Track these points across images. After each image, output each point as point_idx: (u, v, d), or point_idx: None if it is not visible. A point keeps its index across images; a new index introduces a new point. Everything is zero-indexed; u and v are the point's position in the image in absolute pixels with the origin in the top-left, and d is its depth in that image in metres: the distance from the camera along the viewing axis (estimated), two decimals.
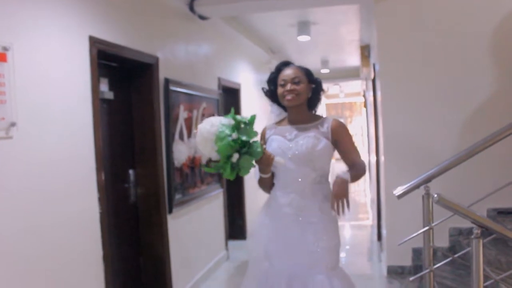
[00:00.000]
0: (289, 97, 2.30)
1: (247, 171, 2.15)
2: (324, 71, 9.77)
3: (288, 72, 2.34)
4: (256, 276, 2.41)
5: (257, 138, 2.22)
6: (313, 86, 2.39)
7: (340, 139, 2.34)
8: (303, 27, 6.11)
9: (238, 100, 6.20)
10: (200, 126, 2.19)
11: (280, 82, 2.35)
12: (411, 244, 3.68)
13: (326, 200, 2.29)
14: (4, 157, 2.23)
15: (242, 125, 2.14)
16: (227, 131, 2.08)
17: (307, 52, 8.14)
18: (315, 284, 2.23)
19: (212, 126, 2.13)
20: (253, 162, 2.19)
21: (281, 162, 2.24)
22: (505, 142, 2.87)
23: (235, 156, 2.08)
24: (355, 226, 7.42)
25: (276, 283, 2.30)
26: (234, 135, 2.07)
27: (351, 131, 2.51)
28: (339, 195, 2.16)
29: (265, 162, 2.23)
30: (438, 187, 2.68)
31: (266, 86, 2.46)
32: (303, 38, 6.35)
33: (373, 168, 6.50)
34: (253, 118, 2.20)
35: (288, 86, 2.31)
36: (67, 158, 2.68)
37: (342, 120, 2.46)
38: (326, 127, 2.31)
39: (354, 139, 2.46)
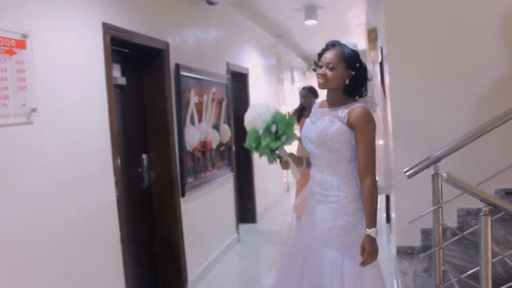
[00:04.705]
0: (319, 80, 2.33)
1: (271, 161, 2.46)
2: None
3: (326, 55, 2.31)
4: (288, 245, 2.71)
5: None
6: (353, 73, 2.30)
7: (355, 130, 2.28)
8: (310, 11, 6.13)
9: (246, 85, 6.23)
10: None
11: (320, 62, 2.35)
12: (420, 225, 3.72)
13: (345, 181, 2.34)
14: (26, 142, 2.28)
15: (264, 129, 2.37)
16: (259, 126, 2.38)
17: (313, 36, 8.13)
18: (328, 258, 2.33)
19: (248, 116, 2.43)
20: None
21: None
22: None
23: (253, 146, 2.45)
24: None
25: (295, 254, 2.50)
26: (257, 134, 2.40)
27: (371, 127, 2.30)
28: (371, 255, 2.29)
29: (283, 166, 2.49)
30: (447, 167, 2.71)
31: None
32: (310, 22, 6.36)
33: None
34: (281, 124, 2.39)
35: (321, 70, 2.31)
36: (85, 143, 2.73)
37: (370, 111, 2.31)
38: (345, 113, 2.28)
39: (371, 139, 2.30)
